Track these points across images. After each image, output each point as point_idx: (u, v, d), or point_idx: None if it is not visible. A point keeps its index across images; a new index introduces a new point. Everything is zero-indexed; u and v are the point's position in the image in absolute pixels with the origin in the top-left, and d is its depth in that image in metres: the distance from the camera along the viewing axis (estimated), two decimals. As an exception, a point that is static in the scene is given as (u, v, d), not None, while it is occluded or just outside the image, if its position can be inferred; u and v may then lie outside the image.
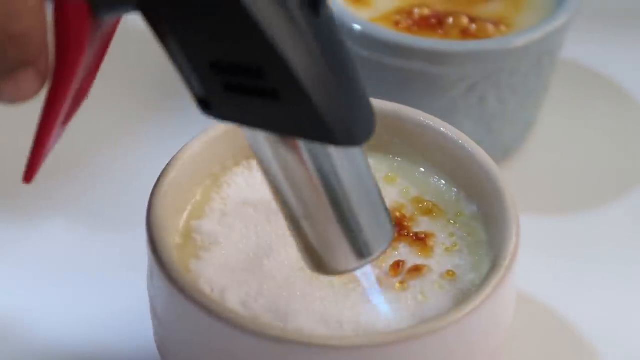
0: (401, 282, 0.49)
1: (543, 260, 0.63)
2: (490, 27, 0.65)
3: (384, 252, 0.46)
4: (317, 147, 0.42)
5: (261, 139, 0.42)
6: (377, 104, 0.55)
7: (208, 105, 0.41)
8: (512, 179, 0.53)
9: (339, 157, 0.42)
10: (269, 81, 0.39)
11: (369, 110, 0.42)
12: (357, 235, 0.44)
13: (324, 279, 0.49)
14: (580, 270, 0.63)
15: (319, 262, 0.46)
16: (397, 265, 0.50)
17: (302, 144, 0.42)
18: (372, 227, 0.45)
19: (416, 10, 0.66)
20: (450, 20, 0.65)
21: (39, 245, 0.64)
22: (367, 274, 0.48)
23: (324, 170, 0.42)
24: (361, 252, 0.45)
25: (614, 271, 0.63)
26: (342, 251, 0.45)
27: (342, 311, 0.48)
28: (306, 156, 0.42)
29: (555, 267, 0.63)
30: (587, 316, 0.60)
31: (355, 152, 0.43)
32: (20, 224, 0.65)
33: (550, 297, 0.61)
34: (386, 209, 0.45)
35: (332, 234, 0.44)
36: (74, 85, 0.41)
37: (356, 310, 0.48)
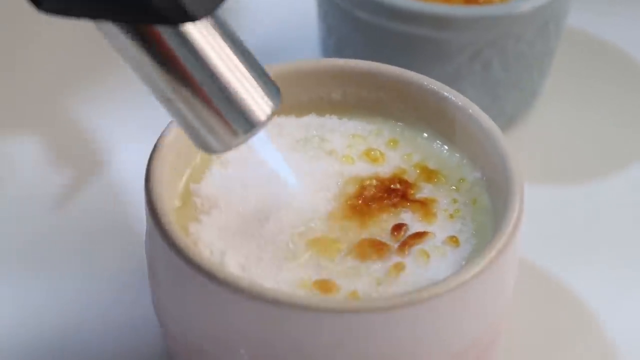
0: (402, 247, 0.49)
1: (546, 228, 0.63)
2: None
3: (271, 119, 0.44)
4: (164, 28, 0.40)
5: (108, 29, 0.41)
6: (381, 68, 0.55)
7: (38, 1, 0.40)
8: (516, 147, 0.52)
9: (189, 34, 0.41)
10: None
11: None
12: (236, 108, 0.43)
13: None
14: (583, 239, 0.63)
15: (204, 142, 0.44)
16: (399, 228, 0.49)
17: (147, 28, 0.40)
18: (250, 96, 0.43)
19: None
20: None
21: (35, 208, 0.63)
22: (264, 144, 0.48)
23: (177, 51, 0.41)
24: (245, 123, 0.43)
25: (616, 240, 0.63)
26: (225, 127, 0.43)
27: (345, 276, 0.48)
28: (153, 39, 0.41)
29: (558, 236, 0.63)
30: (589, 284, 0.60)
31: (205, 26, 0.41)
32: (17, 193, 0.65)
33: (552, 265, 0.61)
34: (264, 74, 0.43)
35: (208, 112, 0.43)
36: None
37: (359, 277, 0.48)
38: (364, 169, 0.53)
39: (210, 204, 0.51)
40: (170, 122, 0.51)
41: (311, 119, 0.55)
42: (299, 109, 0.55)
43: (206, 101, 0.42)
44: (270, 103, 0.44)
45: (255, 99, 0.43)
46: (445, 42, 0.62)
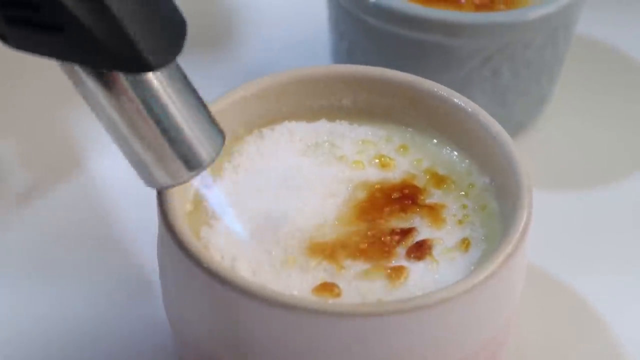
0: (411, 252, 0.49)
1: (554, 234, 0.63)
2: (505, 0, 0.65)
3: (214, 161, 0.46)
4: (119, 74, 0.42)
5: (68, 69, 0.43)
6: (392, 74, 0.55)
7: (3, 37, 0.42)
8: (524, 153, 0.52)
9: (148, 81, 0.43)
10: (46, 15, 0.40)
11: (169, 30, 0.42)
12: (183, 149, 0.45)
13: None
14: (591, 245, 0.63)
15: (150, 177, 0.46)
16: (409, 233, 0.50)
17: (107, 73, 0.42)
18: (197, 139, 0.45)
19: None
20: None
21: (48, 211, 0.63)
22: (207, 186, 0.49)
23: (130, 95, 0.43)
24: (190, 164, 0.45)
25: (624, 246, 0.63)
26: (169, 165, 0.45)
27: (354, 281, 0.48)
28: (110, 84, 0.43)
29: (566, 241, 0.63)
30: (597, 289, 0.60)
31: (162, 74, 0.43)
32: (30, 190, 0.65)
33: (560, 270, 0.61)
34: (212, 119, 0.46)
35: (152, 153, 0.45)
36: None
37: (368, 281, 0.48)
38: (374, 174, 0.53)
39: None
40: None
41: (322, 125, 0.56)
42: (310, 115, 0.56)
43: (157, 140, 0.44)
44: (215, 146, 0.46)
45: (201, 141, 0.45)
46: (456, 48, 0.63)
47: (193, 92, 0.45)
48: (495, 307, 0.48)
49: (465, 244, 0.50)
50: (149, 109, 0.44)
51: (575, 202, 0.66)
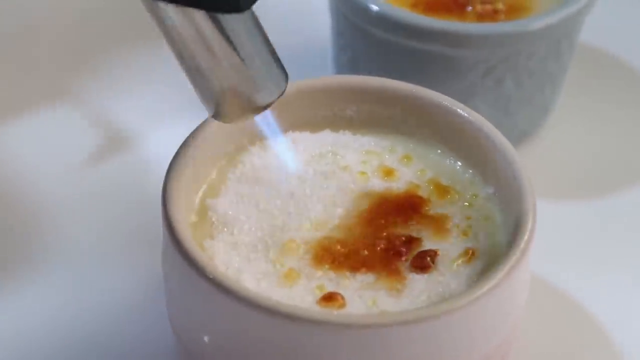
0: (415, 263, 0.49)
1: (558, 244, 0.63)
2: (508, 10, 0.65)
3: (276, 100, 0.49)
4: (205, 13, 0.46)
5: (165, 8, 0.47)
6: (395, 84, 0.55)
7: None
8: (528, 163, 0.53)
9: (230, 21, 0.47)
10: None
11: None
12: (251, 86, 0.48)
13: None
14: (595, 254, 0.63)
15: (219, 110, 0.49)
16: (412, 244, 0.50)
17: (192, 11, 0.46)
18: (264, 79, 0.49)
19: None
20: (468, 4, 0.65)
21: (52, 223, 0.64)
22: (269, 123, 0.53)
23: (218, 32, 0.47)
24: (255, 100, 0.49)
25: (628, 256, 0.63)
26: (237, 101, 0.49)
27: (358, 291, 0.48)
28: (199, 21, 0.46)
29: (570, 251, 0.63)
30: (601, 301, 0.60)
31: (244, 16, 0.47)
32: (38, 204, 0.65)
33: (564, 281, 0.61)
34: (279, 62, 0.49)
35: (225, 86, 0.48)
36: None
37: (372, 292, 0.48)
38: (377, 184, 0.53)
39: (225, 219, 0.51)
40: (186, 139, 0.52)
41: (325, 135, 0.56)
42: (314, 125, 0.56)
43: (234, 72, 0.48)
44: (281, 85, 0.50)
45: (269, 79, 0.49)
46: (459, 59, 0.63)
47: (264, 35, 0.48)
48: (500, 318, 0.48)
49: (469, 254, 0.50)
50: (230, 42, 0.47)
51: (579, 211, 0.66)
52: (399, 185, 0.53)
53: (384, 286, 0.48)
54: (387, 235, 0.50)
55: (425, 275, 0.49)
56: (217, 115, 0.50)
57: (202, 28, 0.47)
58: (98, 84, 0.73)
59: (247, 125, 0.53)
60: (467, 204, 0.53)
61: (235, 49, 0.47)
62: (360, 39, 0.65)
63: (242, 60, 0.48)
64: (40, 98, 0.72)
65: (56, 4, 0.79)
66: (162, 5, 0.46)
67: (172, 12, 0.46)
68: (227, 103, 0.49)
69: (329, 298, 0.48)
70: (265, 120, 0.53)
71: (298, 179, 0.53)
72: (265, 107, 0.49)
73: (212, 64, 0.48)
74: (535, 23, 0.62)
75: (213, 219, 0.51)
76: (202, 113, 0.54)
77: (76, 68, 0.74)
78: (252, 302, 0.45)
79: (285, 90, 0.49)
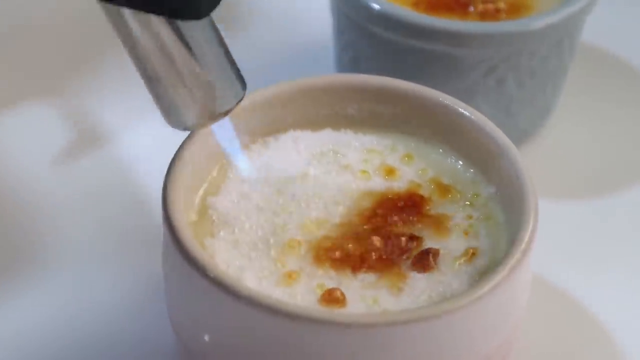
0: (416, 262, 0.49)
1: (560, 244, 0.63)
2: (510, 9, 0.65)
3: (234, 107, 0.49)
4: (164, 20, 0.46)
5: (116, 12, 0.46)
6: (397, 83, 0.55)
7: None
8: (529, 162, 0.52)
9: (188, 28, 0.47)
10: None
11: None
12: (209, 93, 0.48)
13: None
14: (596, 254, 0.63)
15: (176, 118, 0.49)
16: (413, 243, 0.50)
17: (151, 17, 0.46)
18: (222, 86, 0.49)
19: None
20: (470, 3, 0.65)
21: (50, 222, 0.64)
22: (225, 130, 0.52)
23: (176, 39, 0.47)
24: (213, 108, 0.49)
25: (629, 255, 0.63)
26: (195, 108, 0.49)
27: (359, 290, 0.48)
28: (158, 27, 0.46)
29: (572, 251, 0.63)
30: (603, 300, 0.60)
31: (202, 23, 0.47)
32: (36, 204, 0.65)
33: (566, 280, 0.61)
34: (236, 69, 0.49)
35: (183, 93, 0.48)
36: None
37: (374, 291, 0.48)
38: (378, 183, 0.53)
39: (226, 218, 0.51)
40: (187, 138, 0.52)
41: (327, 134, 0.56)
42: (315, 124, 0.56)
43: (191, 79, 0.48)
44: (238, 93, 0.50)
45: (227, 86, 0.49)
46: (460, 58, 0.63)
47: (223, 42, 0.49)
48: (501, 317, 0.48)
49: (470, 254, 0.50)
50: (188, 49, 0.47)
51: (581, 211, 0.66)
52: (400, 184, 0.53)
53: (385, 285, 0.48)
54: (388, 234, 0.50)
55: (427, 275, 0.49)
56: (175, 123, 0.49)
57: (160, 34, 0.46)
58: (89, 80, 0.73)
59: (247, 124, 0.53)
60: (468, 203, 0.53)
61: (193, 56, 0.47)
62: (361, 38, 0.65)
63: (201, 67, 0.48)
64: (28, 95, 0.72)
65: (42, 3, 0.79)
66: (120, 10, 0.46)
67: (130, 18, 0.46)
68: (185, 110, 0.49)
69: (330, 297, 0.47)
70: (224, 132, 0.53)
71: (299, 178, 0.53)
72: (224, 115, 0.49)
73: (170, 71, 0.47)
74: (537, 22, 0.62)
75: (214, 218, 0.51)
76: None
77: (65, 67, 0.74)
78: (253, 301, 0.45)
79: (243, 97, 0.49)
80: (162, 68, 0.47)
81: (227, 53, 0.49)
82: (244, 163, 0.53)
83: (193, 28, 0.47)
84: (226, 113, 0.49)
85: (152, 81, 0.48)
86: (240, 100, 0.49)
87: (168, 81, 0.48)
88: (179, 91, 0.48)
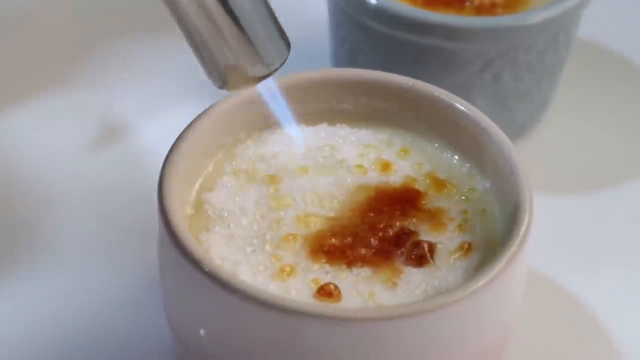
0: (411, 256, 0.49)
1: (555, 239, 0.63)
2: (506, 4, 0.65)
3: (280, 67, 0.50)
4: None
5: None
6: (393, 78, 0.55)
7: None
8: (525, 157, 0.53)
9: None
10: None
11: None
12: (253, 54, 0.49)
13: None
14: (592, 249, 0.63)
15: (221, 80, 0.50)
16: (409, 237, 0.50)
17: None
18: (266, 47, 0.49)
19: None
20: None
21: (46, 216, 0.64)
22: (272, 92, 0.53)
23: (220, 2, 0.48)
24: (257, 68, 0.49)
25: (625, 249, 0.63)
26: (239, 68, 0.49)
27: (355, 285, 0.48)
28: None
29: (568, 245, 0.63)
30: (598, 295, 0.60)
31: None
32: (32, 197, 0.65)
33: (561, 275, 0.61)
34: (281, 30, 0.50)
35: (227, 54, 0.49)
36: None
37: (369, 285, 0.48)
38: (374, 178, 0.53)
39: (222, 212, 0.51)
40: (182, 132, 0.52)
41: (323, 128, 0.56)
42: (311, 118, 0.56)
43: (239, 42, 0.49)
44: (283, 53, 0.50)
45: (274, 47, 0.50)
46: (457, 52, 0.63)
47: (267, 3, 0.49)
48: (496, 312, 0.48)
49: (465, 248, 0.50)
50: (231, 10, 0.48)
51: (577, 206, 0.66)
52: (396, 178, 0.53)
53: (380, 279, 0.48)
54: (384, 228, 0.50)
55: (422, 269, 0.49)
56: (220, 84, 0.50)
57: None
58: (93, 75, 0.73)
59: (242, 118, 0.53)
60: (464, 197, 0.53)
61: (237, 18, 0.48)
62: (358, 32, 0.65)
63: (245, 29, 0.48)
64: (35, 89, 0.72)
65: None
66: None
67: None
68: (230, 72, 0.49)
69: (325, 292, 0.47)
70: (276, 103, 0.54)
71: (295, 172, 0.53)
72: (268, 75, 0.50)
73: (213, 32, 0.48)
74: (533, 17, 0.62)
75: (209, 212, 0.51)
76: (198, 105, 0.54)
77: (72, 59, 0.74)
78: (248, 295, 0.45)
79: (287, 58, 0.50)
80: (206, 29, 0.48)
81: (271, 13, 0.50)
82: (297, 133, 0.54)
83: None
84: (271, 74, 0.50)
85: (196, 43, 0.49)
86: (284, 61, 0.50)
87: (212, 42, 0.49)
88: (224, 52, 0.49)
